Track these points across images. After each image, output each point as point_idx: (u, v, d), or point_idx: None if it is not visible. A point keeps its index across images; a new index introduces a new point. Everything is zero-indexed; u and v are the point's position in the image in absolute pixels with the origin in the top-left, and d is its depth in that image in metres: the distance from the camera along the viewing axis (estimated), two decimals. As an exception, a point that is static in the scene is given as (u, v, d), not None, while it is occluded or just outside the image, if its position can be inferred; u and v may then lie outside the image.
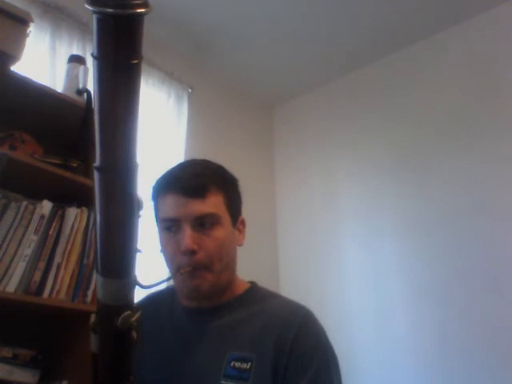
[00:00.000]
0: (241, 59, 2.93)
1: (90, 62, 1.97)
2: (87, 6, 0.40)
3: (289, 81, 3.14)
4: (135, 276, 0.60)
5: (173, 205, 0.88)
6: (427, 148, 2.56)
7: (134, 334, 0.63)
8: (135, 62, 0.44)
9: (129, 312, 0.60)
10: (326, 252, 2.81)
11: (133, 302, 0.62)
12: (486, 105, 2.41)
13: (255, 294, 0.97)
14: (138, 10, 0.41)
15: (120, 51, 0.43)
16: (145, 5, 0.41)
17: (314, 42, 2.77)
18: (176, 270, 0.87)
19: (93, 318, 0.64)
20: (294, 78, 3.12)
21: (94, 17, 0.41)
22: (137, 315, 0.61)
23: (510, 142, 2.29)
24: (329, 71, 3.03)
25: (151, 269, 1.89)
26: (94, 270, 1.57)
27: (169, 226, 0.89)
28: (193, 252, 0.86)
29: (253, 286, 1.00)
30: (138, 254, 0.59)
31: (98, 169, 0.51)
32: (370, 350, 2.45)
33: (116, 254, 0.57)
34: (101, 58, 0.43)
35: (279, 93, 3.27)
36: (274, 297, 0.98)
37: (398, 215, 2.58)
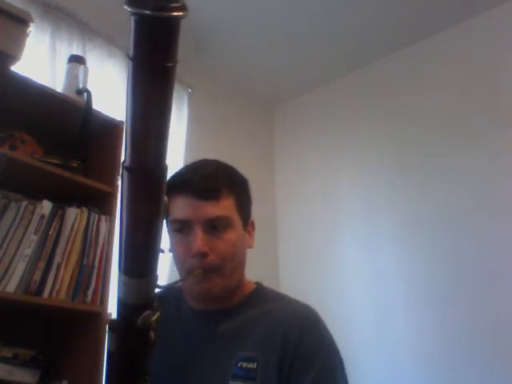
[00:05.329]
0: (241, 59, 2.93)
1: (89, 62, 1.97)
2: (126, 7, 0.39)
3: (289, 81, 3.14)
4: (157, 276, 0.61)
5: (185, 206, 0.88)
6: (427, 148, 2.56)
7: (152, 334, 0.63)
8: (170, 64, 0.44)
9: (149, 312, 0.60)
10: (326, 252, 2.81)
11: (153, 301, 0.62)
12: (486, 105, 2.41)
13: (262, 295, 0.98)
14: (176, 13, 0.41)
15: (156, 54, 0.43)
16: (183, 8, 0.41)
17: (313, 41, 2.77)
18: (187, 272, 0.87)
19: (110, 316, 0.64)
20: (294, 78, 3.11)
21: (132, 18, 0.41)
22: (157, 315, 0.61)
23: (509, 141, 2.29)
24: (329, 71, 3.03)
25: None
26: (99, 270, 1.57)
27: (180, 228, 0.89)
28: (204, 255, 0.85)
29: (258, 286, 1.01)
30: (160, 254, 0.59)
31: (129, 169, 0.51)
32: (369, 350, 2.45)
33: (142, 254, 0.58)
34: (136, 59, 0.43)
35: (279, 93, 3.27)
36: (279, 297, 0.98)
37: (397, 215, 2.58)
